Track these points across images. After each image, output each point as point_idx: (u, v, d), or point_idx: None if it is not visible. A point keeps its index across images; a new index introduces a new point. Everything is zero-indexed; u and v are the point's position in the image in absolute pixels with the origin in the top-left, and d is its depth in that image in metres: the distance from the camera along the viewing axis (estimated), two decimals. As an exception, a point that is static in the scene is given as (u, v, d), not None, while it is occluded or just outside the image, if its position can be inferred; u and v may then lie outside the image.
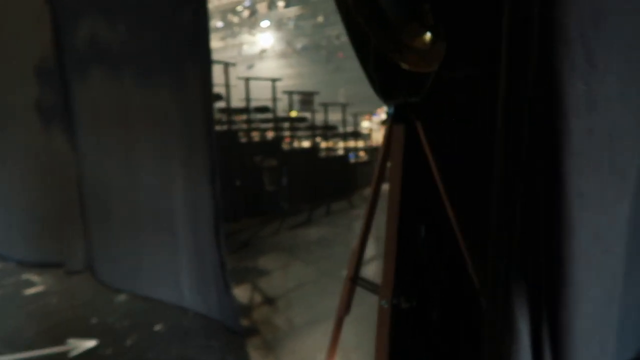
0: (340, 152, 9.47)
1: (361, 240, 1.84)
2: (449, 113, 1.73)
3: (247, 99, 6.74)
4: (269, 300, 3.63)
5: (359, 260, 1.86)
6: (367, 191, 8.91)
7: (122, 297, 3.69)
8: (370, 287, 1.76)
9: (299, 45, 30.20)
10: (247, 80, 6.68)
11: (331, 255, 4.95)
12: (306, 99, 7.64)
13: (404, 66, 1.65)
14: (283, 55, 32.05)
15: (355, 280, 1.85)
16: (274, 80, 7.20)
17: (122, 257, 3.85)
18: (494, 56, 1.60)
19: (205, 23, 2.84)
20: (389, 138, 1.66)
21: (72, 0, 3.84)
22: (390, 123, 1.68)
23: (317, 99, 8.21)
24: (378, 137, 11.49)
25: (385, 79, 1.76)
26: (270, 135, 8.07)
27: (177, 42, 3.06)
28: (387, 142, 1.68)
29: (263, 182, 6.78)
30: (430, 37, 1.59)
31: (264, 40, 30.39)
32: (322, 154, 8.50)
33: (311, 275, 4.19)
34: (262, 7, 19.93)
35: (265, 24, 27.34)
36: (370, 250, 1.98)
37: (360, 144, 10.03)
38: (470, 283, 1.62)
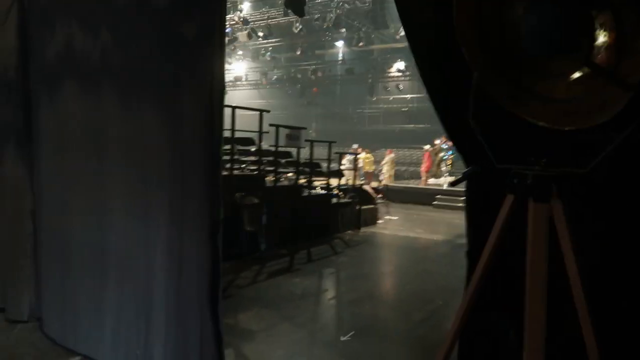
0: (322, 190, 8.95)
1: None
2: (607, 188, 1.26)
3: (233, 129, 6.18)
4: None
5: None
6: (348, 236, 8.41)
7: (75, 363, 2.99)
8: None
9: (273, 76, 29.99)
10: (233, 109, 6.14)
11: (321, 316, 4.37)
12: (294, 134, 7.15)
13: (534, 121, 1.16)
14: (255, 85, 31.74)
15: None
16: (261, 111, 6.68)
17: (79, 311, 3.15)
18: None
19: (220, 41, 2.31)
20: (508, 216, 1.17)
21: (47, 2, 3.25)
22: (519, 196, 1.17)
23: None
24: (349, 174, 11.20)
25: (497, 132, 1.26)
26: (252, 169, 7.49)
27: (178, 62, 2.51)
28: (504, 220, 1.18)
29: (242, 220, 6.15)
30: (579, 78, 1.12)
31: (238, 68, 30.07)
32: (305, 193, 7.95)
33: (303, 342, 3.59)
34: (242, 36, 19.60)
35: (241, 52, 27.08)
36: None
37: (342, 182, 9.55)
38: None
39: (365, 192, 10.60)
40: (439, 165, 17.09)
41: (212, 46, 2.35)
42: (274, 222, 6.66)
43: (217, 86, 2.32)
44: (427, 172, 17.21)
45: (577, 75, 1.12)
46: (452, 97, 1.46)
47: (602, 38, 1.04)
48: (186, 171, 2.53)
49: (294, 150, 7.64)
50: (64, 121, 3.17)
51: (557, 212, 1.10)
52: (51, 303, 3.38)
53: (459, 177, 1.55)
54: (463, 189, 1.89)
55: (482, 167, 1.38)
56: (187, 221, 2.54)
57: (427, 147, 17.43)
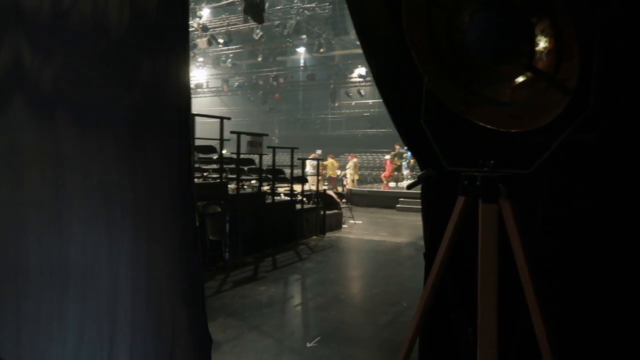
0: (286, 197, 8.94)
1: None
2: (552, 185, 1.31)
3: (193, 137, 6.09)
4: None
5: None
6: (314, 241, 8.42)
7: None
8: None
9: (235, 83, 29.76)
10: (194, 116, 6.05)
11: (287, 323, 4.35)
12: (255, 141, 7.11)
13: (484, 124, 1.20)
14: (217, 92, 31.40)
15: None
16: (222, 118, 6.62)
17: (36, 330, 3.02)
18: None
19: (185, 55, 2.28)
20: (460, 217, 1.20)
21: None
22: (467, 197, 1.21)
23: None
24: (312, 180, 11.36)
25: (449, 136, 1.30)
26: (214, 177, 7.40)
27: (137, 96, 2.48)
28: (457, 221, 1.21)
29: (205, 230, 6.06)
30: (523, 82, 1.17)
31: (199, 76, 29.70)
32: (269, 200, 7.92)
33: (270, 351, 3.56)
34: (202, 43, 19.39)
35: (201, 59, 26.78)
36: None
37: (305, 188, 9.56)
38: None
39: (330, 197, 10.64)
40: (401, 169, 17.37)
41: (177, 60, 2.33)
42: (238, 230, 6.60)
43: (183, 101, 2.31)
44: (388, 177, 17.49)
45: (521, 79, 1.17)
46: (406, 101, 1.49)
47: (543, 44, 1.09)
48: (152, 180, 2.48)
49: (256, 157, 7.60)
50: (13, 139, 3.05)
51: (506, 212, 1.15)
52: (5, 324, 3.23)
53: (415, 180, 1.58)
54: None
55: (436, 170, 1.42)
56: (156, 230, 2.49)
57: (388, 157, 17.80)
